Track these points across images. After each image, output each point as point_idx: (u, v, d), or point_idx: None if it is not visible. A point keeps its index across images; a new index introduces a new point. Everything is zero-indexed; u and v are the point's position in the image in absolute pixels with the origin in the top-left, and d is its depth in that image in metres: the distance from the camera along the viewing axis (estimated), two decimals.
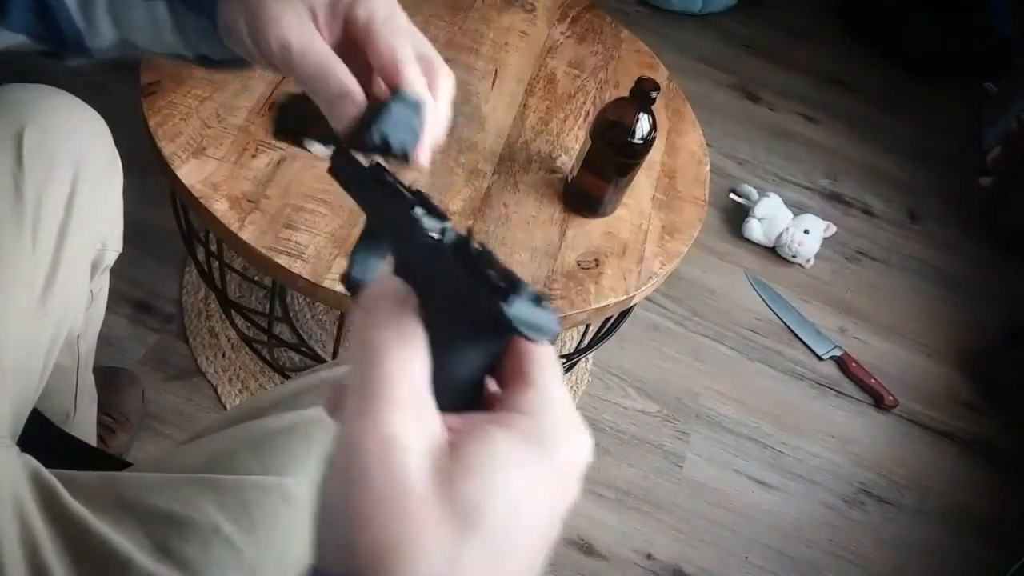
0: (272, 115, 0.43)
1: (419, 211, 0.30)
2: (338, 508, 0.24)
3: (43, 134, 0.64)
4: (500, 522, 0.24)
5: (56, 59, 0.49)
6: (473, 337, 0.28)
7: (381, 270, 0.35)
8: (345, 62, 0.40)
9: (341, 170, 0.37)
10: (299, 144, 0.44)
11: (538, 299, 0.27)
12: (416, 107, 0.39)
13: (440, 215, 0.30)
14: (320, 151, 0.42)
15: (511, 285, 0.27)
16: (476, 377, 0.29)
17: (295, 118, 0.43)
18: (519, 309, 0.26)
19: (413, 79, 0.40)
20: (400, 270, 0.31)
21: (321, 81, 0.38)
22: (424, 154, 0.40)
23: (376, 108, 0.38)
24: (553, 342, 0.29)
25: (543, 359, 0.29)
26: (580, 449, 0.28)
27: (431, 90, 0.42)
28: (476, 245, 0.29)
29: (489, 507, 0.24)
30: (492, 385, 0.30)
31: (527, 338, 0.27)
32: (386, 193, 0.32)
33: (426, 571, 0.23)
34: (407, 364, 0.26)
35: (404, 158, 0.38)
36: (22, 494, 0.54)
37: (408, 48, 0.40)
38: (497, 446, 0.26)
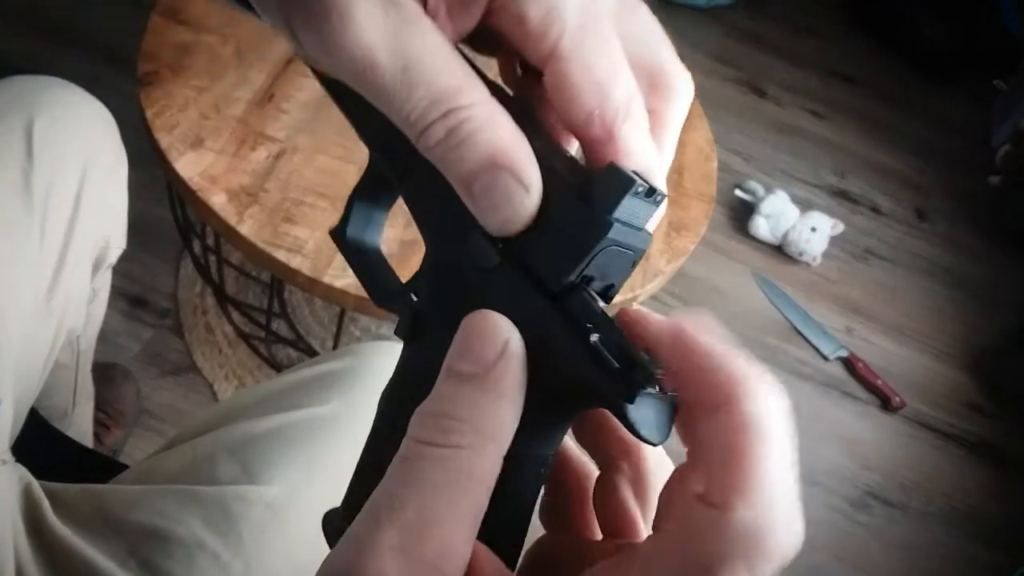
0: None
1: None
2: None
3: (53, 128, 0.63)
4: None
5: None
6: (553, 413, 0.19)
7: (383, 228, 0.26)
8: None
9: None
10: None
11: (662, 393, 0.19)
12: (650, 203, 0.21)
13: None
14: None
15: (630, 368, 0.18)
16: (542, 478, 0.21)
17: None
18: (643, 413, 0.18)
19: (637, 145, 0.21)
20: (437, 280, 0.21)
21: (441, 130, 0.20)
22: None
23: (580, 211, 0.20)
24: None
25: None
26: None
27: (655, 132, 0.23)
28: (587, 293, 0.19)
29: None
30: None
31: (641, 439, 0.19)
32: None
33: None
34: (462, 501, 0.18)
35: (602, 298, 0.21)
36: (14, 511, 0.53)
37: (623, 79, 0.21)
38: None
